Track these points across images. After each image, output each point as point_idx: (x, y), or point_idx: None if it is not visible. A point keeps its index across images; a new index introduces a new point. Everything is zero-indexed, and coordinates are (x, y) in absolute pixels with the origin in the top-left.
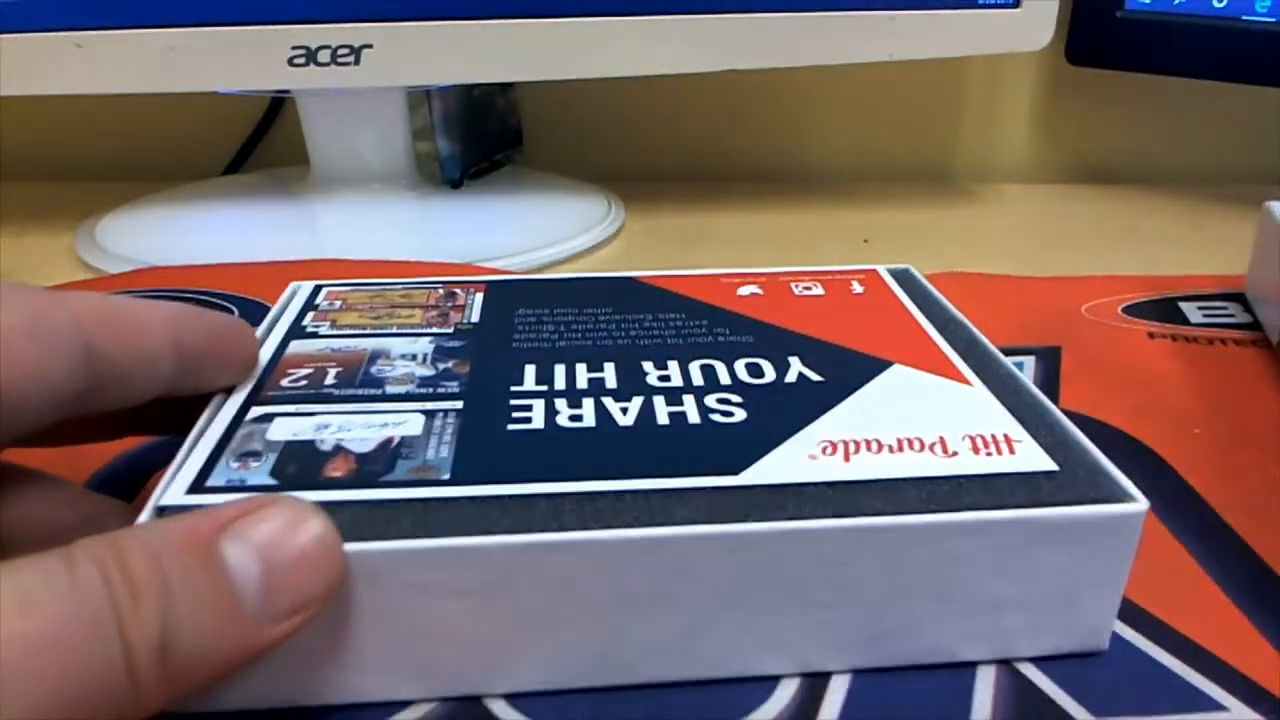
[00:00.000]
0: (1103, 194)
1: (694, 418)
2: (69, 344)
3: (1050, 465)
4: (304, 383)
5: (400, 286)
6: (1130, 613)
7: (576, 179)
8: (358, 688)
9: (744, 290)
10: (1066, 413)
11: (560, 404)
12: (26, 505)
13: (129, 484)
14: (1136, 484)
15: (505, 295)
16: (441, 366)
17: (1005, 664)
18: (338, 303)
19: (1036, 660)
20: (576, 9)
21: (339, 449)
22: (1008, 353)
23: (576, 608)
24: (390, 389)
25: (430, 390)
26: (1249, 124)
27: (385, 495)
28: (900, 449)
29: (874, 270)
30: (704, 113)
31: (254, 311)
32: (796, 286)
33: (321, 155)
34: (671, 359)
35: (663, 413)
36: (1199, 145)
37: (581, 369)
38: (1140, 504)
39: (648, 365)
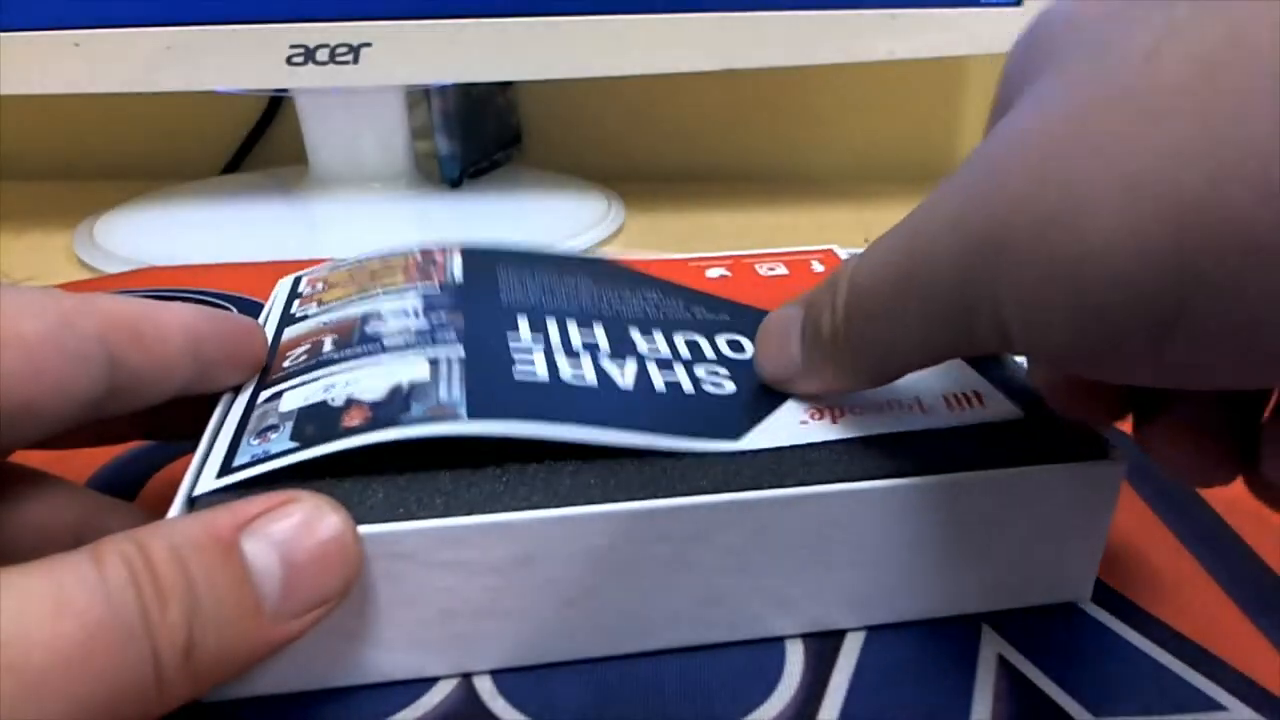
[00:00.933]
0: None
1: (688, 388)
2: (93, 355)
3: (1017, 412)
4: (304, 357)
5: (377, 257)
6: (1130, 613)
7: (576, 178)
8: (382, 667)
9: (712, 273)
10: None
11: (560, 360)
12: (27, 504)
13: (129, 484)
14: (1138, 483)
15: (483, 257)
16: (435, 318)
17: (1004, 663)
18: (319, 285)
19: (1035, 660)
20: (576, 9)
21: (351, 401)
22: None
23: (599, 577)
24: (388, 342)
25: (429, 339)
26: None
27: (402, 434)
28: (881, 410)
29: (830, 249)
30: (704, 113)
31: (252, 311)
32: (761, 268)
33: (320, 155)
34: (656, 329)
35: (659, 380)
36: None
37: (573, 325)
38: (1121, 461)
39: (635, 333)
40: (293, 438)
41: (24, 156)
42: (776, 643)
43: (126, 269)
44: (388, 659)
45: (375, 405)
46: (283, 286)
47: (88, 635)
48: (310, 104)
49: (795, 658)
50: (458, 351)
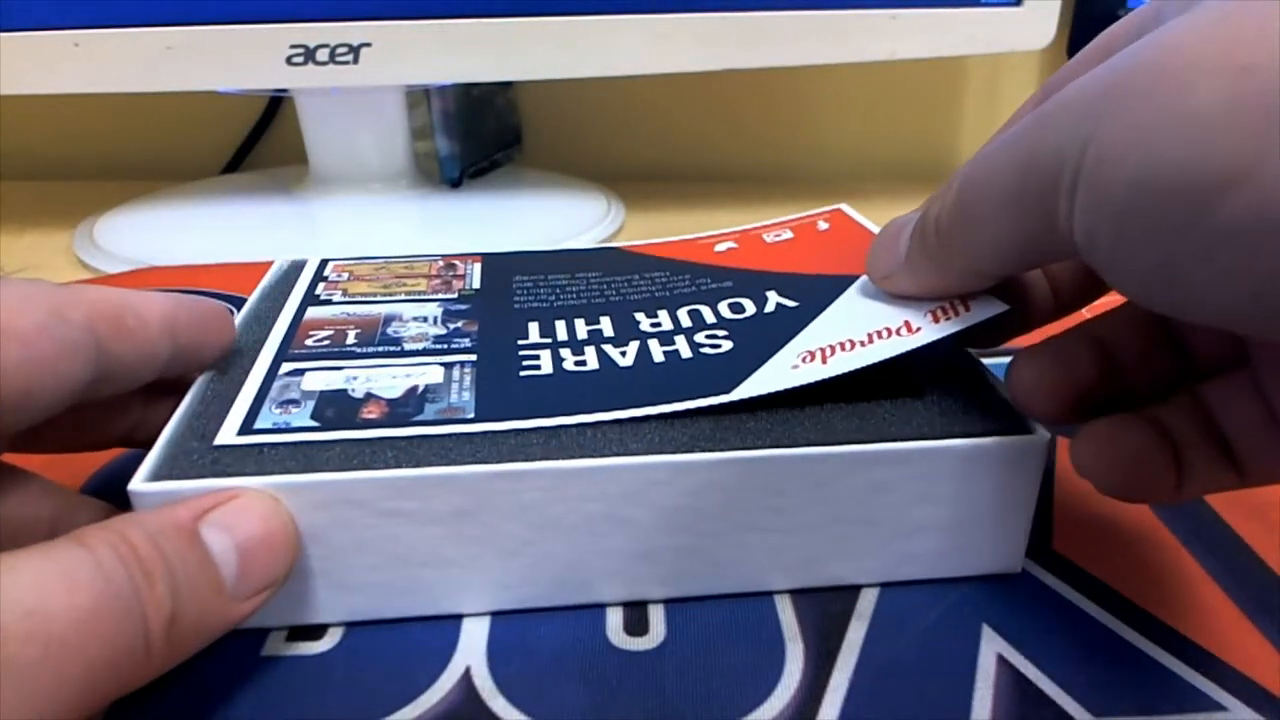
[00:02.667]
0: None
1: (686, 353)
2: (82, 343)
3: (1002, 306)
4: (327, 342)
5: (402, 260)
6: (1130, 613)
7: (576, 178)
8: (341, 607)
9: (720, 247)
10: None
11: (565, 353)
12: (6, 498)
13: (120, 489)
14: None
15: (501, 265)
16: (452, 326)
17: (1004, 663)
18: (345, 274)
19: (1036, 660)
20: (576, 9)
21: (370, 396)
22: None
23: (535, 531)
24: (408, 346)
25: (445, 346)
26: None
27: (419, 432)
28: (870, 341)
29: (839, 209)
30: (704, 113)
31: None
32: (768, 235)
33: (320, 155)
34: (661, 308)
35: (658, 352)
36: None
37: (580, 323)
38: (1044, 435)
39: (639, 316)
40: (313, 417)
41: (24, 156)
42: (777, 642)
43: (126, 269)
44: (345, 600)
45: (392, 403)
46: (307, 266)
47: (95, 606)
48: (310, 104)
49: (795, 657)
50: (470, 357)
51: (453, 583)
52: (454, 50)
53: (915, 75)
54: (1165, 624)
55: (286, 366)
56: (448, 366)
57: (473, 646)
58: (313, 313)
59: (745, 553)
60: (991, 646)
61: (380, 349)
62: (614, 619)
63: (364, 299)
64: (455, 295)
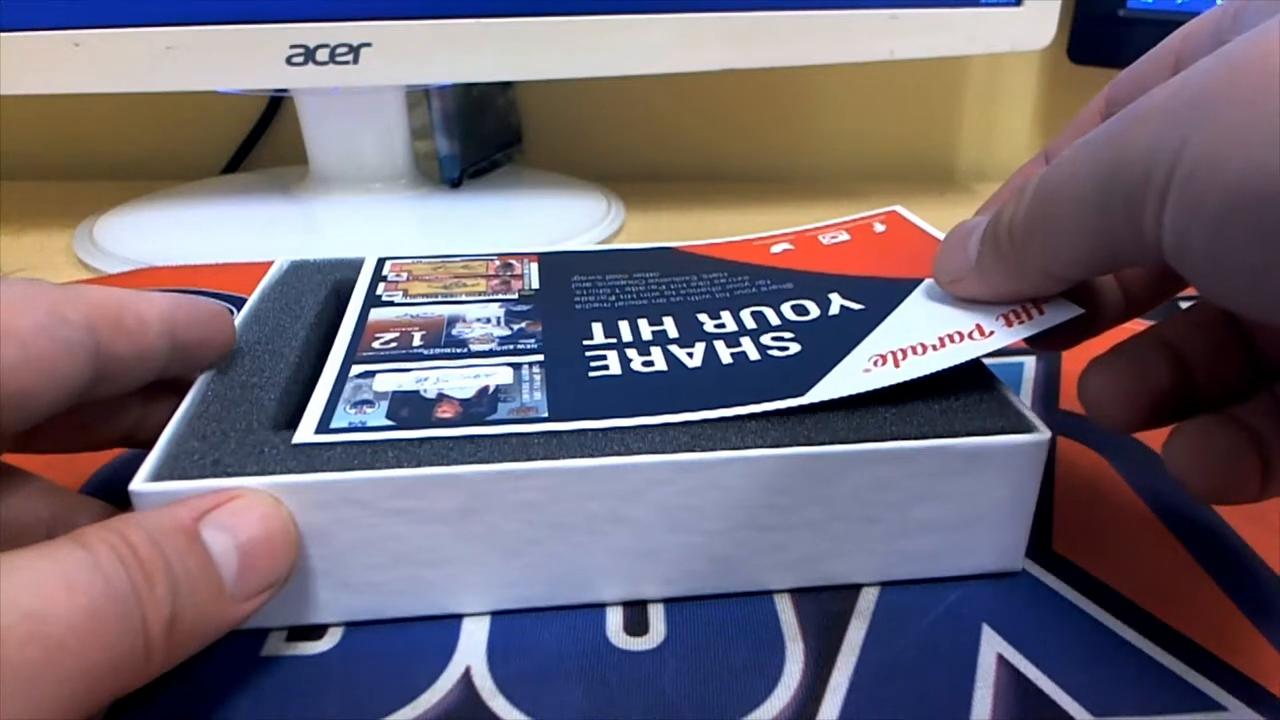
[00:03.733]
0: None
1: (754, 355)
2: (81, 343)
3: (1077, 310)
4: (394, 344)
5: (460, 259)
6: (1130, 613)
7: (576, 178)
8: (342, 606)
9: (776, 248)
10: (1067, 413)
11: (631, 353)
12: (4, 498)
13: (121, 489)
14: (1137, 483)
15: (557, 264)
16: (516, 327)
17: (1004, 663)
18: (404, 274)
19: (1036, 660)
20: (576, 9)
21: (442, 396)
22: (1008, 353)
23: (537, 531)
24: (474, 347)
25: (511, 347)
26: None
27: (494, 431)
28: (942, 345)
29: (893, 210)
30: (704, 113)
31: None
32: (824, 237)
33: (320, 155)
34: (724, 310)
35: (725, 354)
36: None
37: (643, 323)
38: (1042, 434)
39: (703, 317)
40: (388, 416)
41: (24, 156)
42: (777, 642)
43: (126, 269)
44: (345, 600)
45: (465, 403)
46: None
47: (94, 608)
48: (310, 104)
49: (795, 657)
50: (537, 358)
51: (453, 582)
52: (454, 50)
53: (915, 75)
54: (1165, 624)
55: (357, 369)
56: (516, 367)
57: (473, 646)
58: (376, 314)
59: (746, 552)
60: (991, 646)
61: (447, 350)
62: (614, 619)
63: (425, 300)
64: (515, 296)
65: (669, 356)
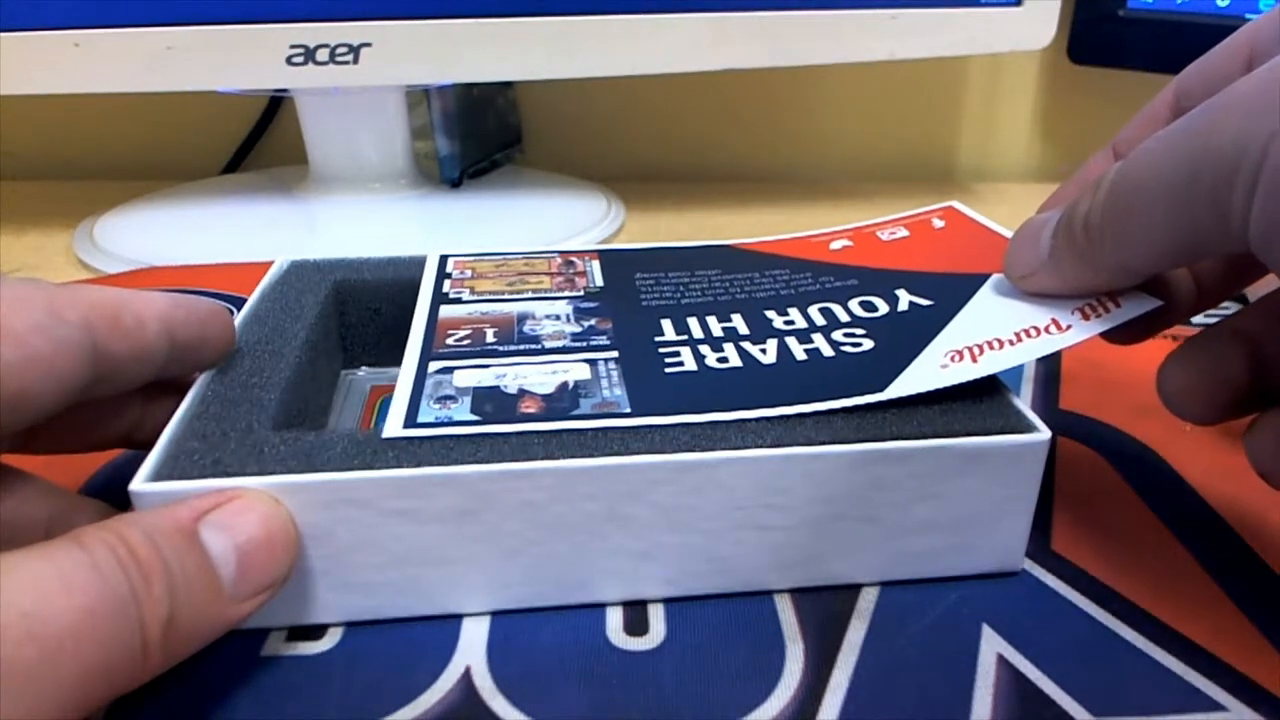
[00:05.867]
0: None
1: (828, 351)
2: (79, 343)
3: (1155, 302)
4: (468, 341)
5: (519, 256)
6: (1130, 613)
7: (576, 178)
8: (342, 607)
9: (835, 245)
10: (1067, 413)
11: (704, 350)
12: (2, 500)
13: (120, 490)
14: (1137, 484)
15: (619, 261)
16: (586, 324)
17: (1004, 663)
18: (468, 271)
19: (1035, 660)
20: (576, 9)
21: (524, 392)
22: None
23: (537, 531)
24: (547, 344)
25: (584, 343)
26: None
27: (579, 426)
28: (1019, 340)
29: (950, 205)
30: (704, 113)
31: None
32: (882, 233)
33: (320, 154)
34: (791, 306)
35: (798, 350)
36: None
37: (712, 320)
38: (1042, 434)
39: (771, 314)
40: (473, 411)
41: (24, 156)
42: (777, 642)
43: (126, 269)
44: (345, 600)
45: (547, 398)
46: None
47: (91, 609)
48: (310, 104)
49: (795, 657)
50: (612, 354)
51: (453, 582)
52: (454, 50)
53: (915, 75)
54: (1165, 624)
55: (434, 365)
56: (592, 363)
57: (473, 646)
58: (446, 311)
59: (746, 552)
60: (991, 646)
61: (520, 347)
62: (614, 619)
63: (493, 297)
64: (582, 293)
65: (742, 353)
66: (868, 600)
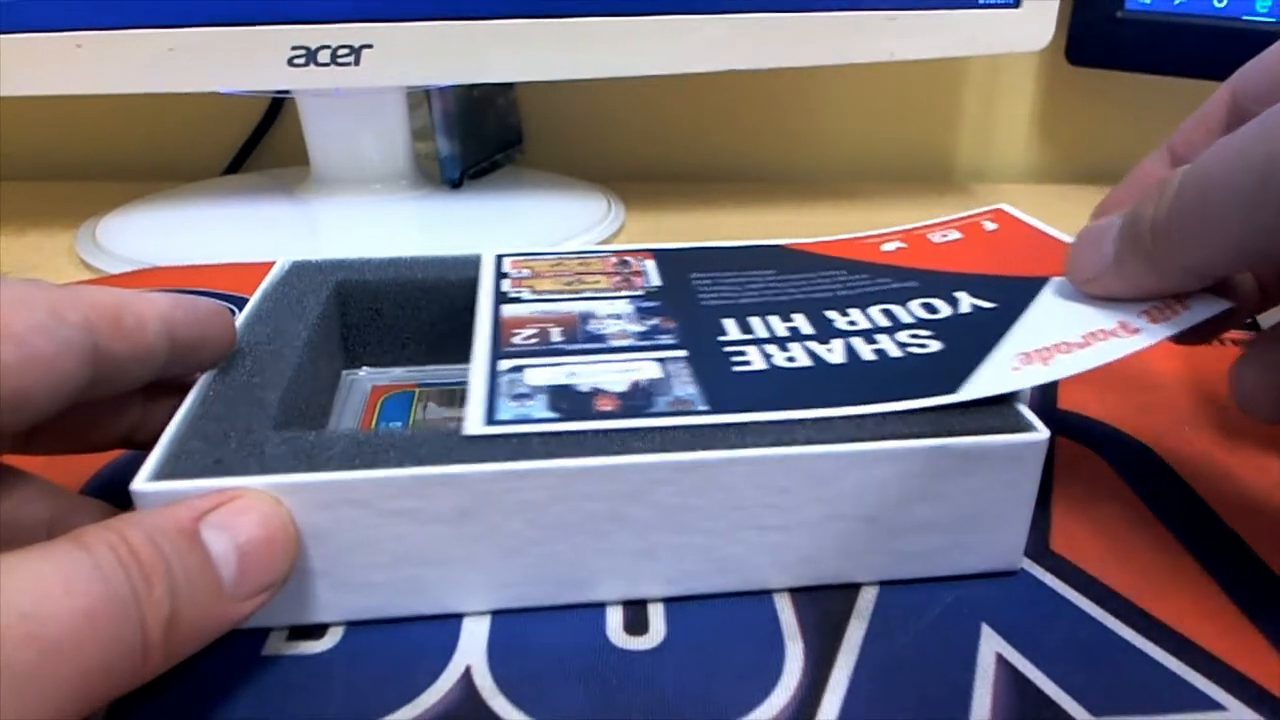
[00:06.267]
0: (1101, 194)
1: (895, 352)
2: (80, 343)
3: (1225, 304)
4: (534, 340)
5: (574, 255)
6: (1130, 612)
7: (576, 179)
8: (341, 606)
9: (887, 246)
10: (1066, 413)
11: (771, 349)
12: (4, 499)
13: (121, 490)
14: (1136, 483)
15: (674, 261)
16: (649, 323)
17: (1004, 663)
18: (525, 270)
19: (1035, 660)
20: (577, 9)
21: (598, 390)
22: None
23: (537, 530)
24: (613, 343)
25: (651, 342)
26: None
27: (658, 424)
28: (1088, 343)
29: (999, 208)
30: (704, 113)
31: None
32: (934, 235)
33: (321, 155)
34: (852, 307)
35: (866, 351)
36: None
37: (775, 320)
38: (1042, 434)
39: (833, 314)
40: (550, 408)
41: (26, 157)
42: (777, 641)
43: (128, 269)
44: (346, 600)
45: (622, 396)
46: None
47: (92, 609)
48: (311, 105)
49: (795, 656)
50: (680, 353)
51: (454, 582)
52: (454, 51)
53: (915, 75)
54: (1165, 624)
55: (504, 363)
56: (661, 362)
57: (473, 646)
58: (509, 310)
59: (746, 552)
60: (991, 645)
61: (587, 345)
62: (614, 618)
63: (554, 296)
64: (641, 292)
65: (810, 353)
66: (867, 600)
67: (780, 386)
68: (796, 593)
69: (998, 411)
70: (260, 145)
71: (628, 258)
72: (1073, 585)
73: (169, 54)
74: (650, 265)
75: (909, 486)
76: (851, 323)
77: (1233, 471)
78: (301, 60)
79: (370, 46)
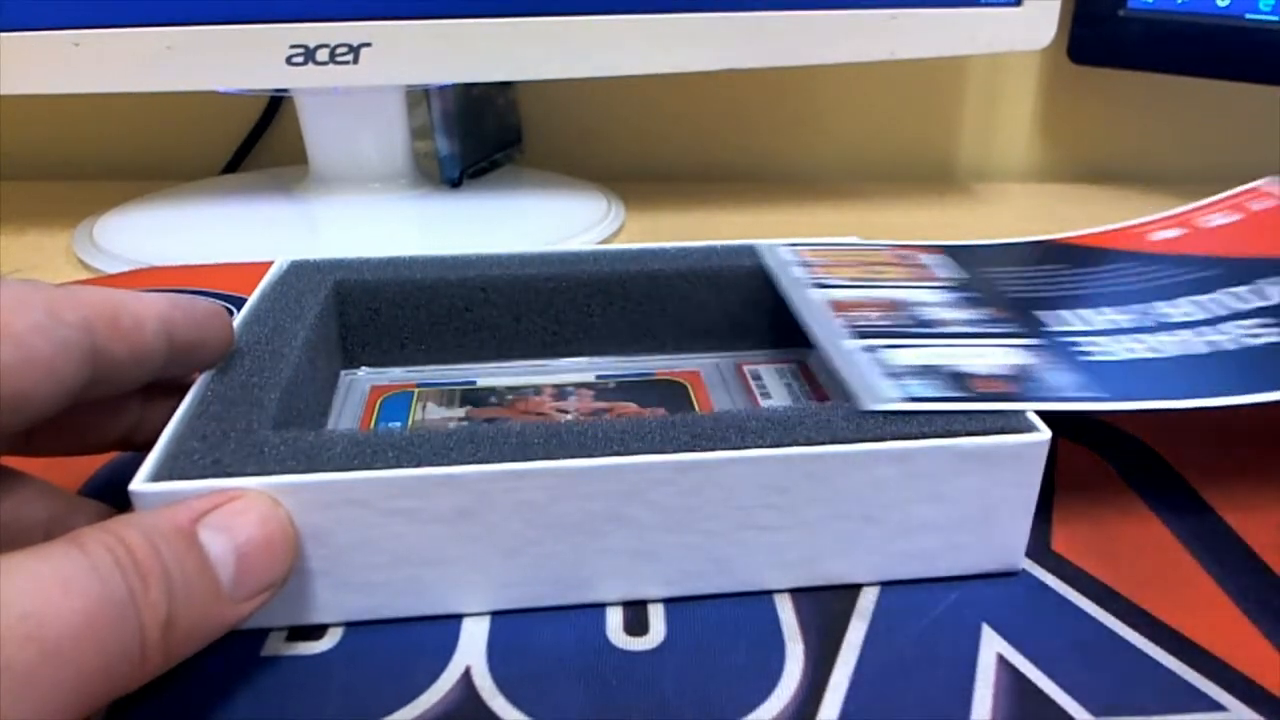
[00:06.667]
0: (1103, 194)
1: (1253, 341)
2: (78, 344)
3: None
4: (885, 322)
5: (849, 247)
6: (1130, 613)
7: (576, 178)
8: (341, 606)
9: (1159, 235)
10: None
11: (1103, 340)
12: (1, 502)
13: (119, 491)
14: (1138, 484)
15: (960, 257)
16: (983, 311)
17: (1004, 663)
18: (815, 259)
19: (1035, 660)
20: (576, 9)
21: (976, 373)
22: None
23: (537, 530)
24: (952, 329)
25: (999, 330)
26: (1250, 124)
27: (1065, 408)
28: None
29: (1255, 187)
30: (704, 113)
31: None
32: (1205, 219)
33: (320, 154)
34: (1176, 297)
35: (1221, 339)
36: (1200, 145)
37: (1088, 313)
38: (1042, 434)
39: (1161, 306)
40: (949, 386)
41: (24, 156)
42: (777, 641)
43: (126, 269)
44: (345, 600)
45: (1009, 379)
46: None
47: (90, 611)
48: (310, 104)
49: (795, 657)
50: (1034, 341)
51: (453, 582)
52: (454, 50)
53: (915, 75)
54: (1165, 624)
55: (860, 343)
56: (1024, 348)
57: (473, 646)
58: (828, 295)
59: (745, 552)
60: (991, 646)
61: (929, 330)
62: (614, 619)
63: (857, 283)
64: (948, 283)
65: (1148, 344)
66: (868, 600)
67: (1148, 377)
68: (797, 593)
69: (999, 411)
70: (259, 144)
71: (904, 251)
72: (1074, 586)
73: (167, 52)
74: (937, 259)
75: (910, 487)
76: (1186, 314)
77: (1233, 471)
78: (300, 59)
79: (369, 45)
